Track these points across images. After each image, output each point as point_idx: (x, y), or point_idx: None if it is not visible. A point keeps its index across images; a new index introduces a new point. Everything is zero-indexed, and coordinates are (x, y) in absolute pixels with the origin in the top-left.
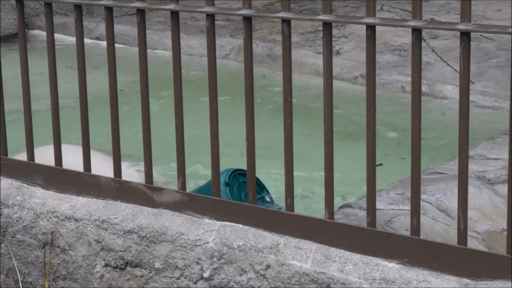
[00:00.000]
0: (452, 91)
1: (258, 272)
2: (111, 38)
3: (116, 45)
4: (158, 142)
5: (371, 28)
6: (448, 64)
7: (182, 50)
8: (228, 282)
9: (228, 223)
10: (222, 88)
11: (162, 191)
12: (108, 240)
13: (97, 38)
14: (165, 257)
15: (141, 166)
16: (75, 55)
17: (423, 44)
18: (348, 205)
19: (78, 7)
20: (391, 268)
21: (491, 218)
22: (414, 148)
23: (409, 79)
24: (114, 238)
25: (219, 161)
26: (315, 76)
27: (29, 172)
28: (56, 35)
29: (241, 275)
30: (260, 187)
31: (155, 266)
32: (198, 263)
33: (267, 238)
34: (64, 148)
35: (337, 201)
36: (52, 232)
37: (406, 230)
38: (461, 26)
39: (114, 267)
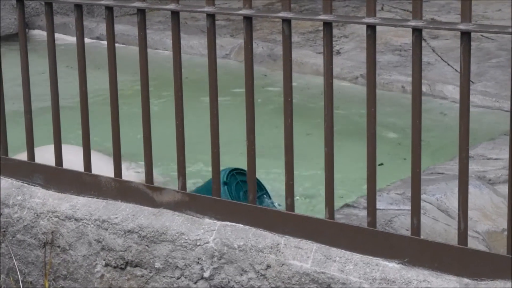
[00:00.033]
0: (453, 91)
1: (258, 272)
2: (111, 38)
3: (116, 44)
4: (158, 142)
5: (371, 28)
6: (448, 64)
7: (183, 50)
8: (229, 282)
9: (229, 223)
10: (222, 88)
11: (162, 191)
12: (109, 240)
13: (98, 38)
14: (165, 257)
15: (140, 167)
16: (75, 55)
17: (424, 44)
18: (349, 205)
19: (78, 7)
20: (391, 268)
21: (491, 218)
22: (415, 148)
23: (410, 79)
24: (114, 238)
25: (220, 161)
26: (315, 76)
27: (30, 172)
28: (56, 35)
29: (242, 275)
30: (259, 186)
31: (156, 266)
32: (198, 263)
33: (268, 238)
34: (64, 148)
35: (338, 201)
36: (52, 232)
37: (407, 230)
38: (462, 26)
39: (115, 267)
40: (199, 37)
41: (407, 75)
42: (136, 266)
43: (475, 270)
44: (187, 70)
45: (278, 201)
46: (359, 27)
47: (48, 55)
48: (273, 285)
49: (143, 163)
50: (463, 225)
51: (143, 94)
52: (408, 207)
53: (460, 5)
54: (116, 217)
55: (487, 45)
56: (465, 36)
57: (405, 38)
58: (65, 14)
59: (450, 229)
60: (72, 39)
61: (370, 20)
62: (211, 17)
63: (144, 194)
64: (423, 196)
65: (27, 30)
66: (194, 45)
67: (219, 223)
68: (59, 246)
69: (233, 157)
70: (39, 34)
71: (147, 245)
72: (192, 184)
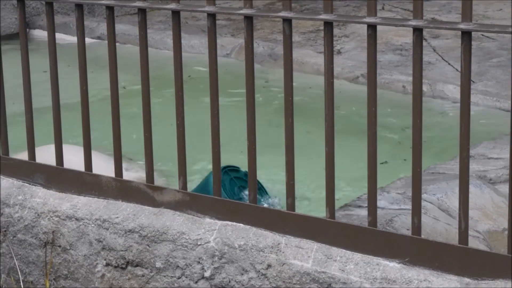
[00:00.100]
0: (453, 90)
1: (259, 271)
2: (112, 37)
3: (117, 44)
4: (158, 141)
5: (372, 28)
6: (449, 64)
7: (184, 50)
8: (229, 281)
9: (229, 223)
10: (222, 88)
11: (163, 191)
12: (109, 240)
13: (99, 38)
14: (166, 257)
15: (139, 167)
16: (76, 54)
17: (424, 43)
18: (349, 205)
19: (79, 7)
20: (392, 267)
21: (492, 217)
22: (415, 147)
23: (410, 78)
24: (115, 237)
25: (220, 161)
26: (316, 76)
27: (30, 172)
28: (57, 35)
29: (242, 274)
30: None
31: (156, 266)
32: (199, 262)
33: (268, 237)
34: (63, 148)
35: (338, 201)
36: (53, 232)
37: (407, 229)
38: (462, 26)
39: (115, 267)
40: (200, 37)
41: (407, 74)
42: (137, 265)
43: (476, 269)
44: (188, 70)
45: (275, 200)
46: (360, 27)
47: (48, 55)
48: (273, 285)
49: (142, 163)
50: (464, 224)
51: (143, 94)
52: (409, 206)
53: (460, 4)
54: (117, 217)
55: (487, 45)
56: (466, 36)
57: (406, 37)
58: (66, 13)
59: (450, 228)
60: (73, 39)
61: (371, 20)
62: (211, 16)
63: (144, 194)
64: (424, 196)
65: (28, 29)
66: (195, 44)
67: (219, 222)
68: (60, 246)
69: (234, 156)
70: (40, 33)
71: (148, 245)
72: (194, 184)
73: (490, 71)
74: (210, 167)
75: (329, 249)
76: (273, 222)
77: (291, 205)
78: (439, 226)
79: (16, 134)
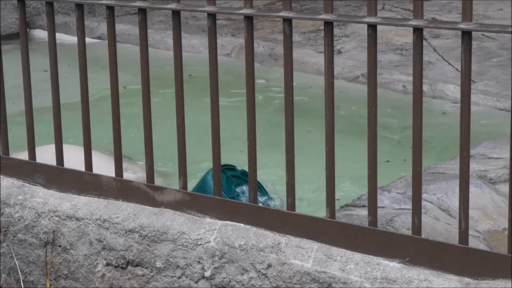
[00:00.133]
0: (454, 90)
1: (259, 271)
2: (112, 37)
3: (117, 44)
4: (158, 141)
5: (372, 28)
6: (449, 64)
7: (184, 49)
8: (230, 281)
9: (230, 222)
10: (222, 87)
11: (163, 191)
12: (110, 239)
13: (99, 38)
14: (166, 256)
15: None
16: (76, 54)
17: (425, 43)
18: (350, 205)
19: (79, 6)
20: (392, 267)
21: (492, 217)
22: (415, 147)
23: (411, 78)
24: (115, 237)
25: (220, 160)
26: (316, 76)
27: (31, 171)
28: (57, 34)
29: (243, 274)
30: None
31: (157, 265)
32: (199, 262)
33: (269, 237)
34: (64, 147)
35: (338, 200)
36: (53, 232)
37: (408, 229)
38: (463, 26)
39: (116, 266)
40: (200, 37)
41: (408, 74)
42: (137, 265)
43: (476, 269)
44: (188, 69)
45: (278, 202)
46: (360, 27)
47: (49, 55)
48: (274, 285)
49: (141, 163)
50: (464, 224)
51: (144, 94)
52: (409, 206)
53: (461, 4)
54: (117, 217)
55: (488, 44)
56: (466, 36)
57: (406, 37)
58: (66, 13)
59: (451, 228)
60: (73, 39)
61: (371, 20)
62: (212, 16)
63: (145, 194)
64: (424, 196)
65: (28, 29)
66: (195, 44)
67: (220, 222)
68: (60, 246)
69: (234, 156)
70: (40, 33)
71: (148, 245)
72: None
73: (491, 71)
74: (209, 166)
75: (329, 249)
76: (274, 222)
77: (291, 205)
78: (440, 226)
79: (16, 134)
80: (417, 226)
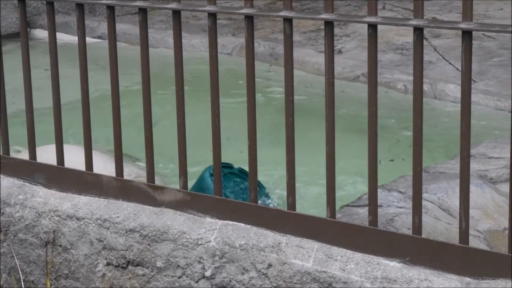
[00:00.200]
0: (454, 90)
1: (259, 271)
2: (113, 37)
3: (118, 44)
4: (158, 141)
5: (373, 27)
6: (450, 63)
7: (184, 49)
8: (230, 281)
9: (230, 222)
10: (223, 87)
11: (164, 190)
12: (110, 239)
13: (99, 37)
14: (167, 256)
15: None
16: (76, 54)
17: (425, 43)
18: (350, 204)
19: (80, 6)
20: (392, 267)
21: (493, 217)
22: (415, 147)
23: (411, 78)
24: (116, 237)
25: (221, 160)
26: (317, 75)
27: (31, 171)
28: (58, 34)
29: (243, 274)
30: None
31: (157, 265)
32: (200, 262)
33: (269, 237)
34: (64, 147)
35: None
36: (54, 231)
37: (408, 229)
38: (463, 25)
39: (116, 266)
40: (200, 36)
41: (408, 74)
42: (137, 265)
43: (477, 269)
44: (188, 69)
45: (273, 197)
46: (361, 26)
47: (49, 54)
48: (274, 284)
49: (140, 163)
50: (465, 224)
51: (144, 93)
52: (410, 206)
53: (461, 4)
54: (118, 216)
55: (488, 44)
56: (467, 35)
57: (407, 37)
58: (67, 13)
59: (451, 228)
60: (74, 38)
61: (372, 19)
62: (212, 16)
63: (145, 193)
64: (424, 195)
65: (28, 29)
66: (196, 44)
67: (220, 222)
68: (60, 245)
69: (234, 155)
70: (41, 33)
71: (149, 244)
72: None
73: (491, 71)
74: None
75: (329, 249)
76: (274, 222)
77: (291, 204)
78: (440, 226)
79: (16, 134)
80: (417, 225)
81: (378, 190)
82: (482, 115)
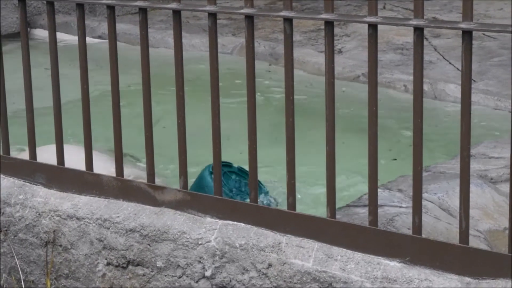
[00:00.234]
0: (454, 89)
1: (260, 271)
2: (113, 37)
3: (118, 43)
4: (159, 141)
5: (373, 27)
6: (450, 63)
7: (185, 49)
8: (230, 280)
9: (230, 222)
10: (223, 87)
11: (164, 190)
12: (110, 239)
13: (100, 37)
14: (167, 256)
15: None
16: (77, 54)
17: (425, 43)
18: (350, 204)
19: (80, 6)
20: (393, 267)
21: (493, 217)
22: (416, 147)
23: (411, 78)
24: (116, 237)
25: (221, 160)
26: (317, 75)
27: (31, 171)
28: (58, 34)
29: (243, 274)
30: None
31: (157, 265)
32: (200, 262)
33: (269, 237)
34: (64, 147)
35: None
36: (54, 231)
37: (408, 229)
38: (463, 25)
39: (116, 266)
40: (201, 36)
41: (409, 74)
42: (137, 265)
43: (477, 269)
44: (189, 69)
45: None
46: (361, 26)
47: (49, 54)
48: (274, 284)
49: (141, 163)
50: (465, 224)
51: (144, 93)
52: (410, 205)
53: (461, 4)
54: (118, 216)
55: (489, 44)
56: (467, 35)
57: (407, 37)
58: (67, 13)
59: (451, 228)
60: (74, 38)
61: (372, 19)
62: (212, 16)
63: (145, 193)
64: (424, 195)
65: (29, 29)
66: (196, 44)
67: (220, 222)
68: (61, 245)
69: (234, 155)
70: (41, 33)
71: (149, 244)
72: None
73: (491, 70)
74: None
75: (330, 249)
76: (274, 222)
77: (292, 204)
78: (440, 226)
79: (16, 133)
80: (417, 225)
81: (378, 190)
82: (482, 115)
